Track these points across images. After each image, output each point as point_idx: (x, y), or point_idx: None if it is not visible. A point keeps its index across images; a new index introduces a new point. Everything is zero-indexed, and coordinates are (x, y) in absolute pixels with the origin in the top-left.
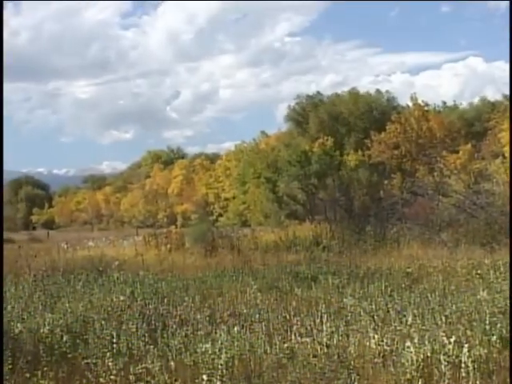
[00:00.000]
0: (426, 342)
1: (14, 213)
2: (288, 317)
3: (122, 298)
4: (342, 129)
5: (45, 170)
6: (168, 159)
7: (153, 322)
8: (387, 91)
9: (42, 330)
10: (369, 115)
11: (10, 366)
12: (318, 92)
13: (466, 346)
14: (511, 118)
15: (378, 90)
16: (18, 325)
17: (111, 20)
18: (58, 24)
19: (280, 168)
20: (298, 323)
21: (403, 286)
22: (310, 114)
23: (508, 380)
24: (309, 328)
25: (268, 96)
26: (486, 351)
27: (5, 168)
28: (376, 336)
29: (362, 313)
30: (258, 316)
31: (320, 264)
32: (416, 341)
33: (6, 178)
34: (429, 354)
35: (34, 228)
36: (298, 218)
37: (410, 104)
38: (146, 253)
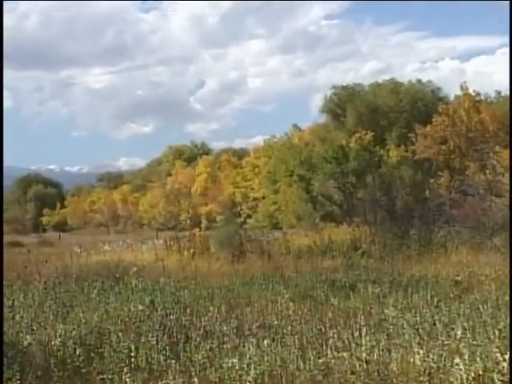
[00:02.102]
0: (478, 359)
1: (22, 214)
2: (323, 329)
3: (140, 307)
4: (383, 122)
5: (56, 166)
6: (191, 155)
7: (174, 334)
8: (429, 81)
9: (53, 343)
10: (413, 107)
11: (19, 382)
12: (358, 84)
13: None
14: (511, 117)
15: (420, 80)
16: (28, 337)
17: (129, 2)
18: (70, 7)
19: (314, 165)
20: (335, 336)
21: (451, 295)
22: (347, 105)
23: None
24: (346, 342)
25: (302, 85)
26: None
27: (13, 165)
28: (421, 351)
29: (405, 325)
30: (290, 328)
31: (359, 271)
32: (466, 357)
33: (14, 175)
34: (480, 372)
35: (45, 230)
36: (334, 219)
37: (460, 93)
38: (167, 258)
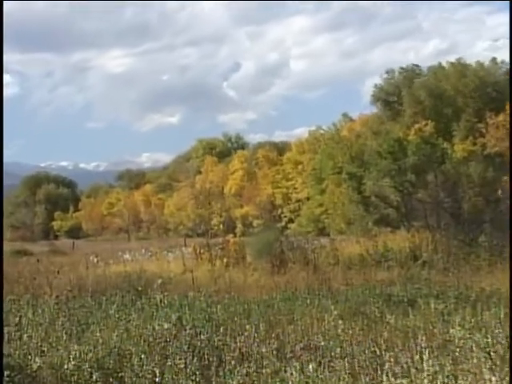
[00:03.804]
0: None
1: (30, 218)
2: (378, 351)
3: (166, 325)
4: (447, 110)
5: (69, 163)
6: (224, 150)
7: (206, 357)
8: (502, 61)
9: (66, 366)
10: (483, 92)
11: None
12: (417, 66)
13: None
14: (511, 114)
15: (495, 59)
16: (37, 359)
17: None
18: None
19: (367, 161)
20: (391, 360)
21: None
22: (404, 91)
23: None
24: (405, 366)
25: (352, 68)
26: None
27: (19, 161)
28: (493, 378)
29: (474, 348)
30: (339, 350)
31: (419, 284)
32: None
33: (21, 173)
34: None
35: (56, 237)
36: (390, 224)
37: None
38: (197, 268)
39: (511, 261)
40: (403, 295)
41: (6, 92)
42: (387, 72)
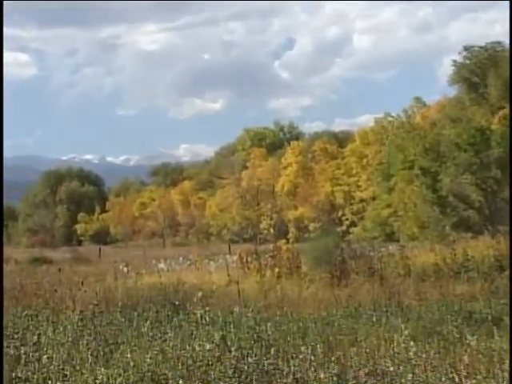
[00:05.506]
0: None
1: (50, 220)
2: (457, 378)
3: (208, 346)
4: None
5: (95, 156)
6: (275, 141)
7: (254, 383)
8: None
9: None
10: None
11: None
12: (503, 42)
13: None
14: (511, 114)
15: None
16: None
17: None
18: None
19: (444, 154)
20: None
21: None
22: (489, 71)
23: None
24: None
25: (427, 45)
26: None
27: (39, 154)
28: None
29: None
30: (410, 376)
31: (505, 299)
32: None
33: (40, 168)
34: None
35: (80, 242)
36: (471, 228)
37: None
38: (244, 280)
39: (511, 261)
40: (487, 312)
41: (23, 73)
42: (467, 49)
